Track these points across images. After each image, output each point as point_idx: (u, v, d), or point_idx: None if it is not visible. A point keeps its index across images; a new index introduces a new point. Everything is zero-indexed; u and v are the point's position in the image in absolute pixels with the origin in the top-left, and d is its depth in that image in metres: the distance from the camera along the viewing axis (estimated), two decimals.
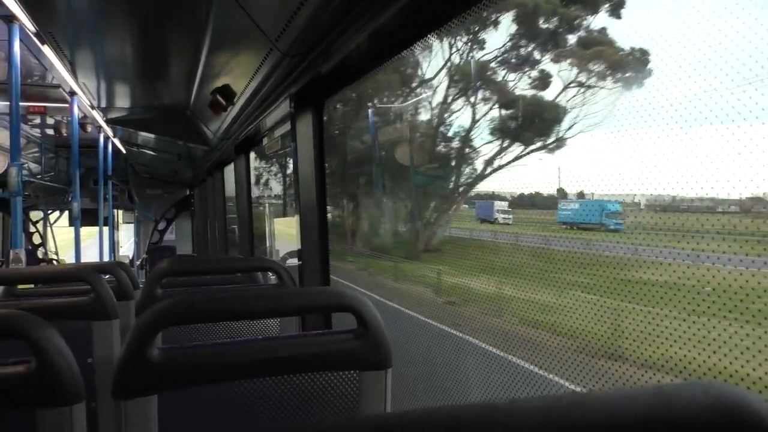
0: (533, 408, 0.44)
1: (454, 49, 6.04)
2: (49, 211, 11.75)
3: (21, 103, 3.94)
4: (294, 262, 3.12)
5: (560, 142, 4.26)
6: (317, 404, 1.30)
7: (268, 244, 8.62)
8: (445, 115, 6.26)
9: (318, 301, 1.33)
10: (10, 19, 3.31)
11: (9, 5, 2.80)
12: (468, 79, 5.98)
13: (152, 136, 6.30)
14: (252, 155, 5.30)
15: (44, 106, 6.02)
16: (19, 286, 2.60)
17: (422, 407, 0.45)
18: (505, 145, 5.04)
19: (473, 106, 5.77)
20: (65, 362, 1.11)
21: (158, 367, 1.15)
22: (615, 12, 3.72)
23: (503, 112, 5.32)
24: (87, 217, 8.36)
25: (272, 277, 2.67)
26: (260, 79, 2.95)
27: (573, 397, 0.45)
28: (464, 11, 1.64)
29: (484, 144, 5.45)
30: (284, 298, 1.31)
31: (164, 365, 1.16)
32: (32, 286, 2.77)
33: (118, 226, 14.04)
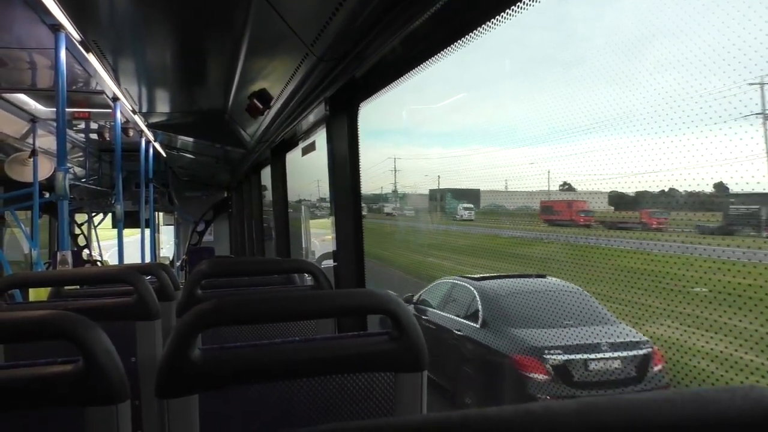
0: (570, 411, 0.44)
1: None
2: (93, 214, 12.03)
3: (67, 109, 4.05)
4: (329, 263, 3.14)
5: None
6: (353, 405, 1.31)
7: (303, 246, 8.71)
8: None
9: (355, 303, 1.34)
10: (57, 28, 3.42)
11: (56, 15, 2.89)
12: None
13: (191, 139, 6.42)
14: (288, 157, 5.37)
15: (88, 112, 6.17)
16: (65, 287, 2.69)
17: (458, 410, 0.45)
18: None
19: None
20: (112, 362, 1.14)
21: (199, 367, 1.18)
22: None
23: None
24: (129, 220, 8.56)
25: (308, 279, 2.70)
26: (296, 83, 2.99)
27: (610, 401, 0.45)
28: (496, 16, 1.63)
29: None
30: (322, 299, 1.32)
31: (205, 365, 1.19)
32: (78, 287, 2.86)
33: (158, 228, 14.33)
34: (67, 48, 3.65)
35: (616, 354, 3.80)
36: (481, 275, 5.08)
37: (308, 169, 5.15)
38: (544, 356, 3.98)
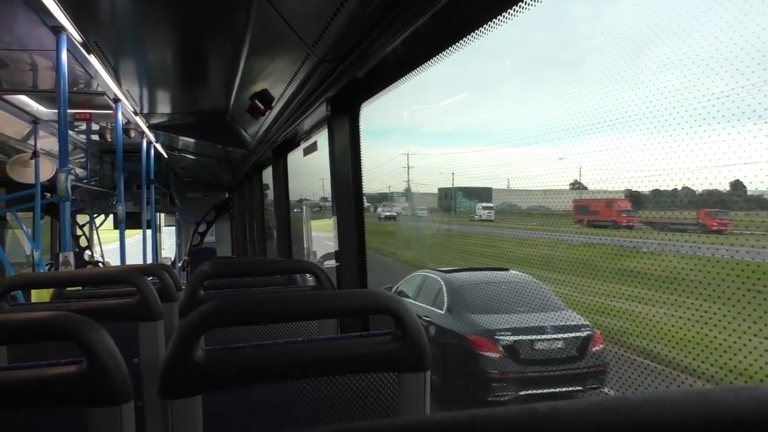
0: (574, 411, 0.44)
1: None
2: (95, 215, 12.04)
3: (68, 111, 4.06)
4: (331, 263, 3.14)
5: None
6: (357, 406, 1.31)
7: (305, 246, 8.72)
8: None
9: (358, 303, 1.34)
10: (58, 29, 3.42)
11: (57, 17, 2.89)
12: None
13: (192, 140, 6.43)
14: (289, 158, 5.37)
15: (90, 113, 6.16)
16: (68, 288, 2.70)
17: (464, 411, 0.45)
18: None
19: None
20: (115, 363, 1.15)
21: (203, 368, 1.18)
22: None
23: None
24: (131, 221, 8.56)
25: (310, 279, 2.70)
26: (297, 83, 2.99)
27: (615, 401, 0.45)
28: (498, 15, 1.63)
29: None
30: (325, 300, 1.32)
31: (208, 366, 1.19)
32: (79, 288, 2.86)
33: (160, 229, 14.34)
34: (68, 49, 3.65)
35: (559, 336, 4.34)
36: (450, 268, 5.78)
37: (310, 170, 5.12)
38: (497, 337, 4.56)
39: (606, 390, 4.05)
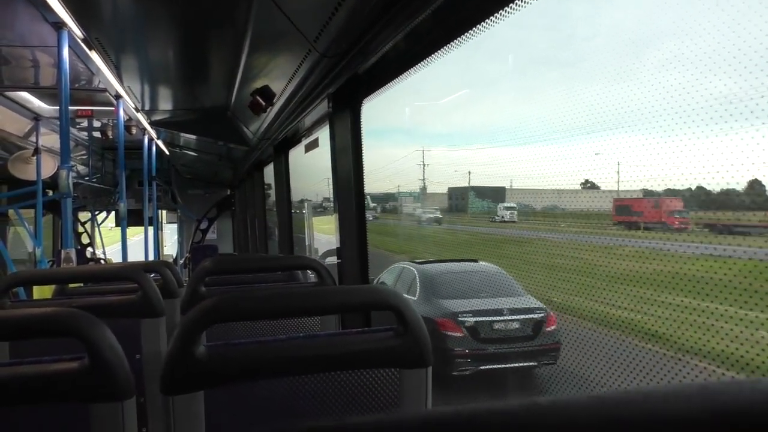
0: (575, 405, 0.44)
1: None
2: (96, 212, 12.06)
3: (70, 107, 4.05)
4: (332, 260, 3.15)
5: None
6: (359, 401, 1.31)
7: (306, 243, 8.74)
8: None
9: (359, 299, 1.34)
10: (59, 26, 3.42)
11: (59, 13, 2.89)
12: None
13: (194, 137, 6.44)
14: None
15: (91, 110, 6.15)
16: (70, 285, 2.70)
17: (465, 405, 0.45)
18: None
19: None
20: (117, 359, 1.15)
21: (204, 364, 1.18)
22: None
23: None
24: (132, 218, 8.57)
25: (311, 275, 2.70)
26: (299, 79, 2.99)
27: (616, 395, 0.45)
28: (498, 10, 1.63)
29: None
30: (327, 296, 1.32)
31: (210, 362, 1.19)
32: (81, 284, 2.86)
33: (162, 226, 14.36)
34: (69, 46, 3.65)
35: (515, 317, 4.94)
36: (425, 260, 6.47)
37: (311, 167, 5.10)
38: (459, 319, 5.10)
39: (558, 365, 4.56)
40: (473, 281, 5.62)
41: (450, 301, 5.42)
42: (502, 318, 5.00)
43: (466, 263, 5.89)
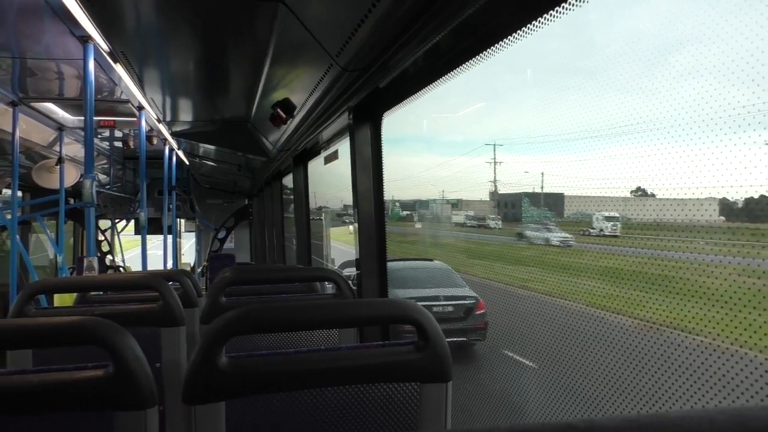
0: (611, 427, 0.44)
1: None
2: (117, 220, 12.19)
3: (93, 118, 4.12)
4: (351, 271, 3.15)
5: None
6: (378, 415, 1.31)
7: (324, 252, 8.76)
8: None
9: (380, 312, 1.34)
10: (85, 39, 3.48)
11: (86, 27, 2.95)
12: None
13: (213, 147, 6.49)
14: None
15: (114, 120, 6.24)
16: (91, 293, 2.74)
17: (485, 424, 0.45)
18: None
19: None
20: (141, 368, 1.16)
21: (226, 374, 1.20)
22: None
23: None
24: (152, 226, 8.66)
25: (329, 287, 2.71)
26: (320, 93, 3.01)
27: (653, 417, 0.44)
28: (520, 28, 1.63)
29: None
30: (348, 308, 1.33)
31: (232, 373, 1.20)
32: (101, 292, 2.90)
33: (180, 235, 14.48)
34: (95, 58, 3.72)
35: (450, 303, 5.97)
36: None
37: (329, 175, 5.10)
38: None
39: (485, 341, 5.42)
40: (422, 275, 6.70)
41: (398, 291, 6.07)
42: (438, 303, 6.00)
43: (422, 262, 7.16)
